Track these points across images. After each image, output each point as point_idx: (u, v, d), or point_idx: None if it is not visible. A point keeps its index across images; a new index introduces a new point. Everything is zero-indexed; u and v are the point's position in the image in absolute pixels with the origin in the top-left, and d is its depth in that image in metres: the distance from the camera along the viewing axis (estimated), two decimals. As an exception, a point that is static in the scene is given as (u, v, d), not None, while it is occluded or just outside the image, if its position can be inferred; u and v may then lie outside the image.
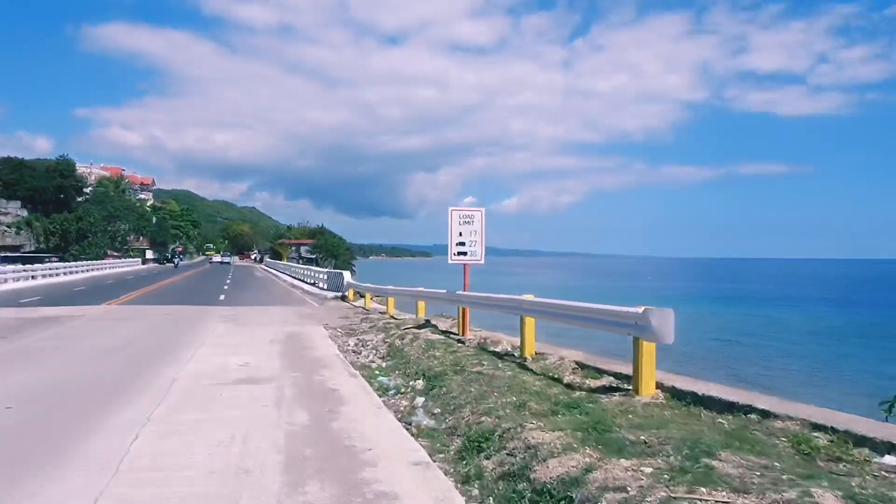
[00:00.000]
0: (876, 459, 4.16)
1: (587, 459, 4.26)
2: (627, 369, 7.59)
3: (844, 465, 4.08)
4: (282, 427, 5.61)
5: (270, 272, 52.62)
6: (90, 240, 56.43)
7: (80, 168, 77.70)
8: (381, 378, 8.62)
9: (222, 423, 5.68)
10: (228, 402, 6.57)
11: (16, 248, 51.99)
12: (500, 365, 8.47)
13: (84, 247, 55.18)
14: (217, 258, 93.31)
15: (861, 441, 4.42)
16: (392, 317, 16.08)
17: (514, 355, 9.32)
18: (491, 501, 4.22)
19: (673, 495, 3.46)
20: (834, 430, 4.66)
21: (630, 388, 6.71)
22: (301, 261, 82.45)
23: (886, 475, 3.87)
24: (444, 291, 13.12)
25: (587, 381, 7.40)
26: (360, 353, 10.83)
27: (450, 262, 11.95)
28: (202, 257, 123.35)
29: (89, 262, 45.89)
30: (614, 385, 7.06)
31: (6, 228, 56.27)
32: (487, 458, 4.95)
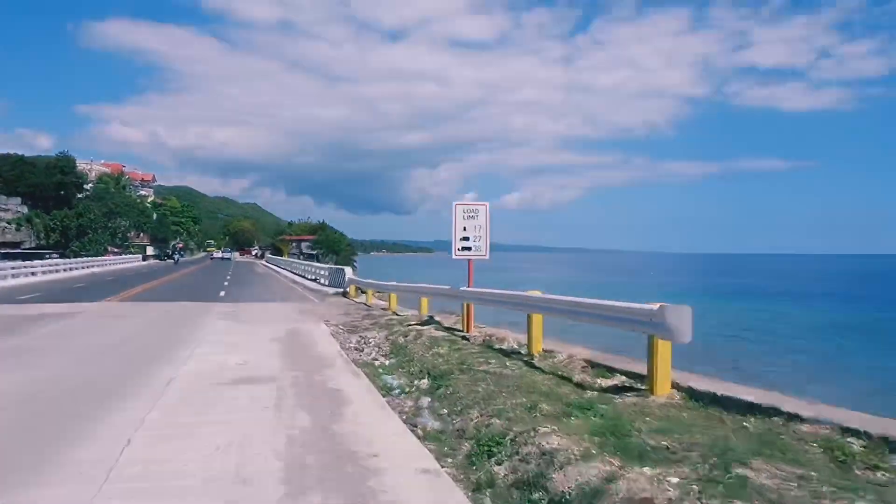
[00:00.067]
0: (917, 467, 3.88)
1: (607, 467, 3.98)
2: (640, 368, 7.32)
3: (883, 474, 3.80)
4: (282, 431, 5.33)
5: (271, 268, 52.38)
6: (90, 236, 56.11)
7: (81, 165, 77.27)
8: (384, 377, 8.35)
9: (220, 426, 5.40)
10: (227, 404, 6.29)
11: (16, 245, 51.71)
12: (507, 363, 8.20)
13: (84, 243, 54.88)
14: (218, 254, 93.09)
15: (897, 447, 4.15)
16: (394, 313, 15.81)
17: (520, 353, 9.04)
18: (505, 512, 3.94)
19: (707, 510, 3.18)
20: (867, 435, 4.37)
21: (644, 387, 6.44)
22: (302, 257, 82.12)
23: (932, 485, 3.59)
24: (448, 287, 12.83)
25: (598, 381, 7.12)
26: (362, 351, 10.56)
27: (454, 257, 11.67)
28: (203, 253, 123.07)
29: (89, 258, 45.61)
30: (627, 384, 6.78)
31: (6, 225, 55.99)
32: (499, 464, 4.67)
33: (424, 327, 12.13)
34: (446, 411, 6.36)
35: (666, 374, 6.27)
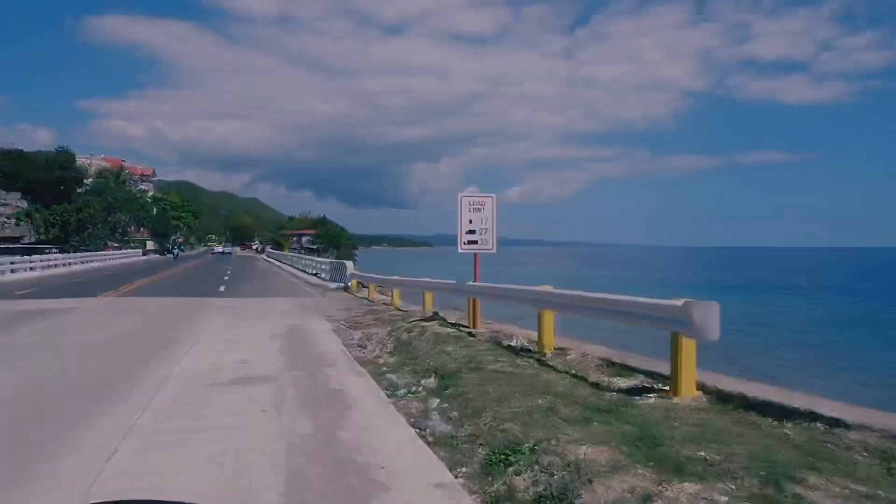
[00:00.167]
0: None
1: (642, 482, 3.57)
2: (659, 367, 6.92)
3: (951, 490, 3.39)
4: (282, 438, 4.92)
5: (272, 263, 51.94)
6: (90, 231, 55.61)
7: (81, 159, 76.66)
8: (389, 375, 7.94)
9: (215, 433, 5.00)
10: (223, 407, 5.88)
11: (16, 240, 51.23)
12: (518, 361, 7.80)
13: (84, 238, 54.41)
14: (218, 249, 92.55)
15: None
16: (397, 308, 15.40)
17: (531, 350, 8.64)
18: (531, 534, 3.54)
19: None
20: (923, 444, 3.97)
21: (666, 388, 6.03)
22: (303, 251, 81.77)
23: None
24: (454, 282, 12.41)
25: (616, 381, 6.72)
26: (365, 348, 10.15)
27: (459, 250, 11.25)
28: (204, 248, 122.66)
29: (89, 253, 45.19)
30: (647, 385, 6.38)
31: (6, 220, 55.53)
32: (518, 475, 4.26)
33: (429, 323, 11.72)
34: (456, 414, 5.95)
35: (691, 375, 5.87)
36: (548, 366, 7.53)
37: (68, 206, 55.33)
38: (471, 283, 11.19)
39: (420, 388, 7.21)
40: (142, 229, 76.09)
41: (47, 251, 44.25)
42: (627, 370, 7.08)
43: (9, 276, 28.37)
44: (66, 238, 54.31)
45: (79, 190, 59.03)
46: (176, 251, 67.11)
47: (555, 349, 8.33)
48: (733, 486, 3.39)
